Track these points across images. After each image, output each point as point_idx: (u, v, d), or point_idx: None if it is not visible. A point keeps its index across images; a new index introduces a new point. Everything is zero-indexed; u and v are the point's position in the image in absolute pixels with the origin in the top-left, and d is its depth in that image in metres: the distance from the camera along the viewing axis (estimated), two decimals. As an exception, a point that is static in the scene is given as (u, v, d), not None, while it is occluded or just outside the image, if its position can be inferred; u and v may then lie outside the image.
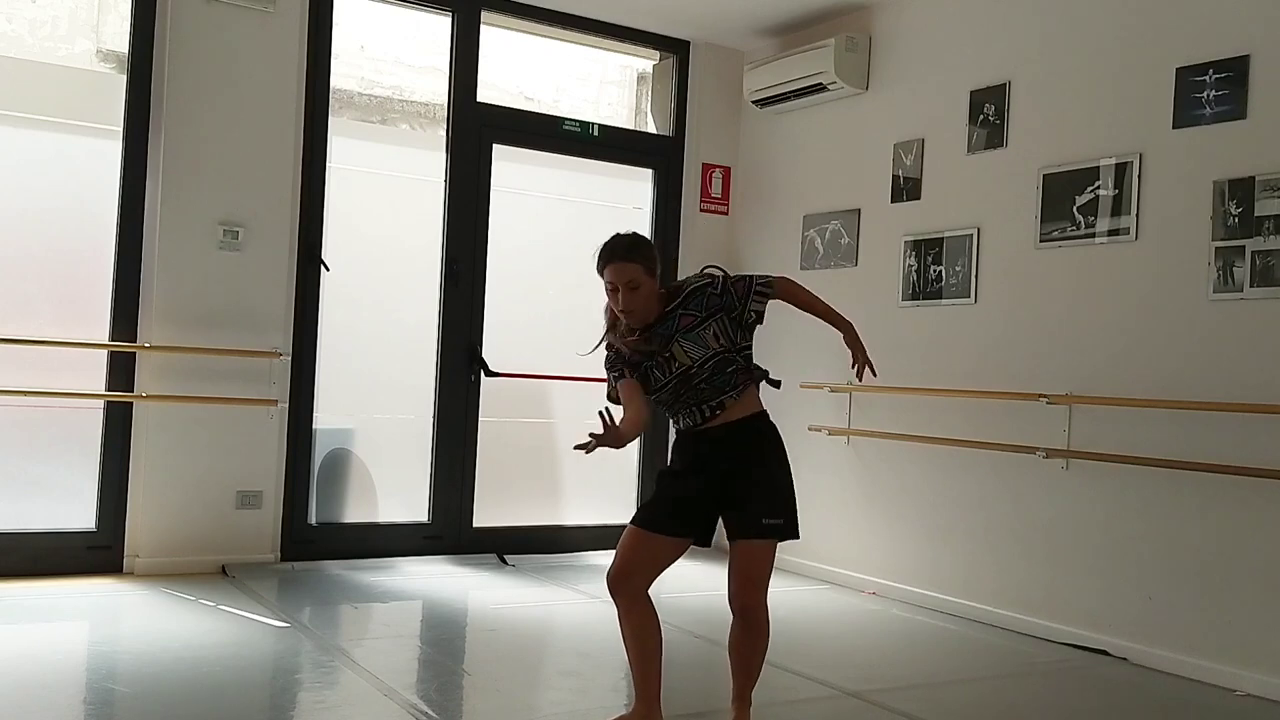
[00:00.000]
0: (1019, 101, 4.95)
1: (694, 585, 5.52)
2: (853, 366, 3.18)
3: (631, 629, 3.06)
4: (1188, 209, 4.22)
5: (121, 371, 5.07)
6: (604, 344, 3.13)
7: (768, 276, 3.15)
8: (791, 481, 3.11)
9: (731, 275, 3.13)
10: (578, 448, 2.82)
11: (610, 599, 3.06)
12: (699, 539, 3.09)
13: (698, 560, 6.29)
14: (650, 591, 3.06)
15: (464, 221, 5.87)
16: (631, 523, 3.09)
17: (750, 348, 3.12)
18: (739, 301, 3.07)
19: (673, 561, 3.09)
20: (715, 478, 3.04)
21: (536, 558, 5.90)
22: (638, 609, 3.05)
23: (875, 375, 3.23)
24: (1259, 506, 3.93)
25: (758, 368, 3.12)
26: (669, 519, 3.05)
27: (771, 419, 3.13)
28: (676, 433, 3.19)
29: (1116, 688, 4.04)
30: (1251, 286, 4.00)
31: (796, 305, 3.21)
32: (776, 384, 3.19)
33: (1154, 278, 4.33)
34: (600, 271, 3.02)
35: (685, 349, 3.02)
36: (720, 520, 3.09)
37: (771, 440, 3.10)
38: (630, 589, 3.03)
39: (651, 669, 3.06)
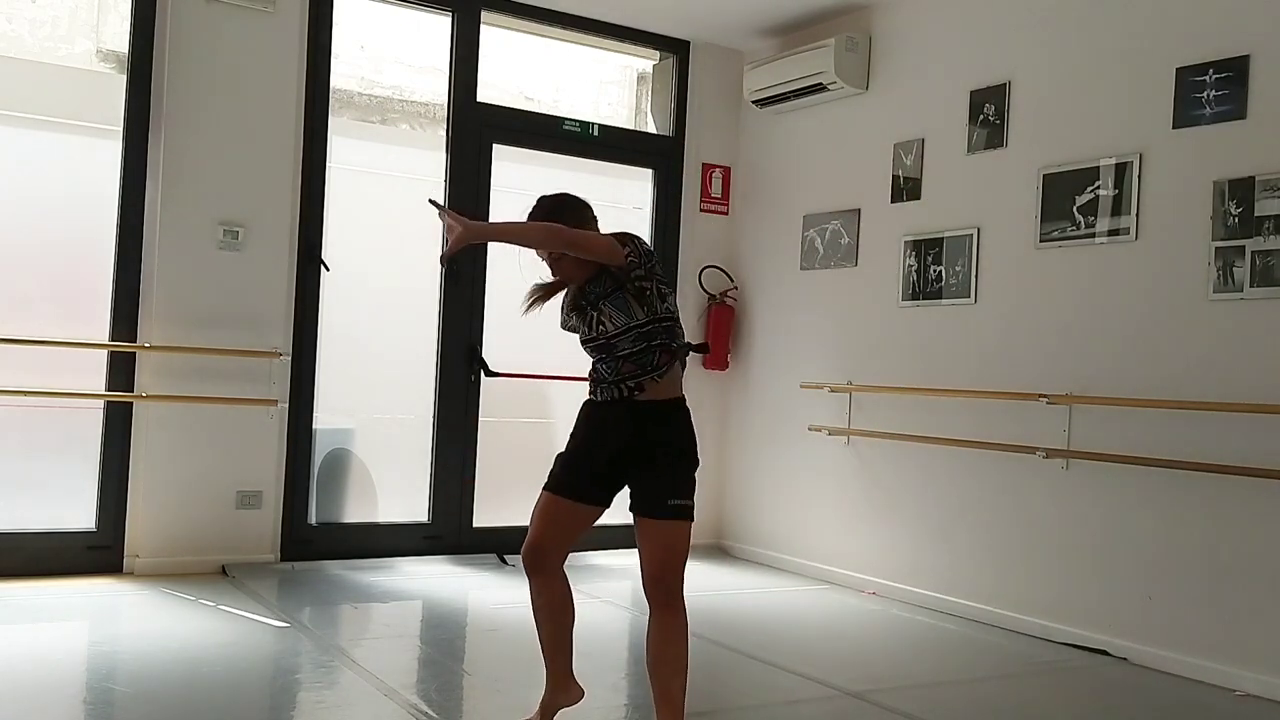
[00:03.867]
0: (1019, 101, 4.95)
1: (694, 585, 5.51)
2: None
3: (547, 606, 2.98)
4: (1188, 209, 4.22)
5: (121, 371, 5.07)
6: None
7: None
8: (695, 469, 2.94)
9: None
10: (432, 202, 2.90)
11: (527, 575, 2.98)
12: (605, 503, 2.99)
13: (699, 560, 6.27)
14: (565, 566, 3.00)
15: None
16: (544, 489, 2.99)
17: (672, 316, 2.94)
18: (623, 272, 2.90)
19: (586, 530, 3.01)
20: (621, 451, 2.89)
21: (536, 558, 5.90)
22: (554, 585, 2.97)
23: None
24: (1259, 506, 3.93)
25: (681, 342, 2.95)
26: (582, 483, 2.94)
27: (686, 406, 2.96)
28: (585, 404, 3.05)
29: (1116, 688, 4.04)
30: (1251, 286, 4.00)
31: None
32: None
33: (1154, 278, 4.33)
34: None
35: (608, 314, 2.90)
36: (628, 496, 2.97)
37: (679, 428, 2.92)
38: (547, 564, 2.95)
39: (565, 647, 3.02)
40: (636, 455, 2.89)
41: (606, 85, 6.79)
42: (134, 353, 5.07)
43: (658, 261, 2.99)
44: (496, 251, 5.97)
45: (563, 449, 3.04)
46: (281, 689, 3.67)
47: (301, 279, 5.42)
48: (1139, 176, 4.40)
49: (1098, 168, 4.56)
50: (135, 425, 5.08)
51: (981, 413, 4.96)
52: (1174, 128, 4.29)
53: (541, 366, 6.07)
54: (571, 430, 3.05)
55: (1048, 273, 4.76)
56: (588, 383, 3.04)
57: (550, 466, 3.04)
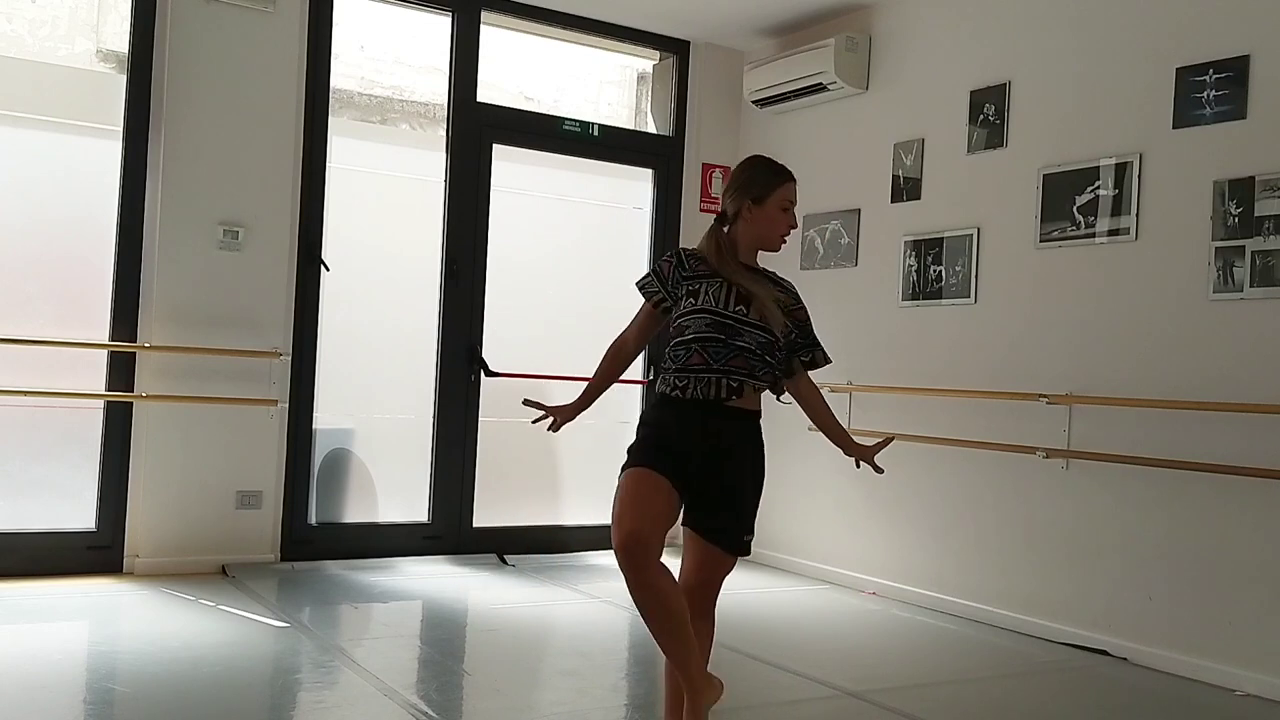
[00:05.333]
0: (1019, 101, 4.95)
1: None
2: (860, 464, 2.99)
3: (656, 598, 2.59)
4: (1188, 209, 4.22)
5: (121, 371, 5.07)
6: (671, 257, 2.89)
7: (816, 350, 2.97)
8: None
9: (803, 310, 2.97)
10: (528, 402, 2.95)
11: (623, 573, 2.62)
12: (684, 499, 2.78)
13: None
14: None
15: (464, 221, 5.88)
16: (627, 466, 2.73)
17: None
18: (794, 331, 2.91)
19: (674, 521, 2.73)
20: (693, 457, 2.73)
21: (536, 558, 5.91)
22: (658, 573, 2.59)
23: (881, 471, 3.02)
24: (1259, 506, 3.93)
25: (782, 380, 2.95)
26: (671, 463, 2.70)
27: (761, 425, 2.90)
28: (664, 398, 2.80)
29: (1116, 688, 4.04)
30: (1251, 286, 4.00)
31: (802, 404, 3.00)
32: (779, 394, 3.02)
33: (1154, 278, 4.33)
34: (774, 188, 2.90)
35: (769, 311, 2.80)
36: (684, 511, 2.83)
37: (761, 449, 2.87)
38: (646, 551, 2.58)
39: (689, 640, 2.63)
40: (710, 469, 2.74)
41: (606, 85, 6.79)
42: (134, 353, 5.07)
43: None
44: (496, 251, 5.97)
45: (634, 443, 2.79)
46: (281, 689, 3.67)
47: (301, 279, 5.42)
48: (1139, 176, 4.41)
49: (1098, 168, 4.56)
50: (135, 425, 5.08)
51: (981, 413, 4.96)
52: (1174, 128, 4.29)
53: (541, 366, 6.07)
54: (641, 430, 2.83)
55: (1048, 273, 4.76)
56: (667, 374, 2.80)
57: (624, 459, 2.77)
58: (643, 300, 2.95)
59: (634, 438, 2.84)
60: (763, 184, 2.90)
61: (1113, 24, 4.57)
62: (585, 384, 3.00)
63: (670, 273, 2.87)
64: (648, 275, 2.94)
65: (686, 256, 2.89)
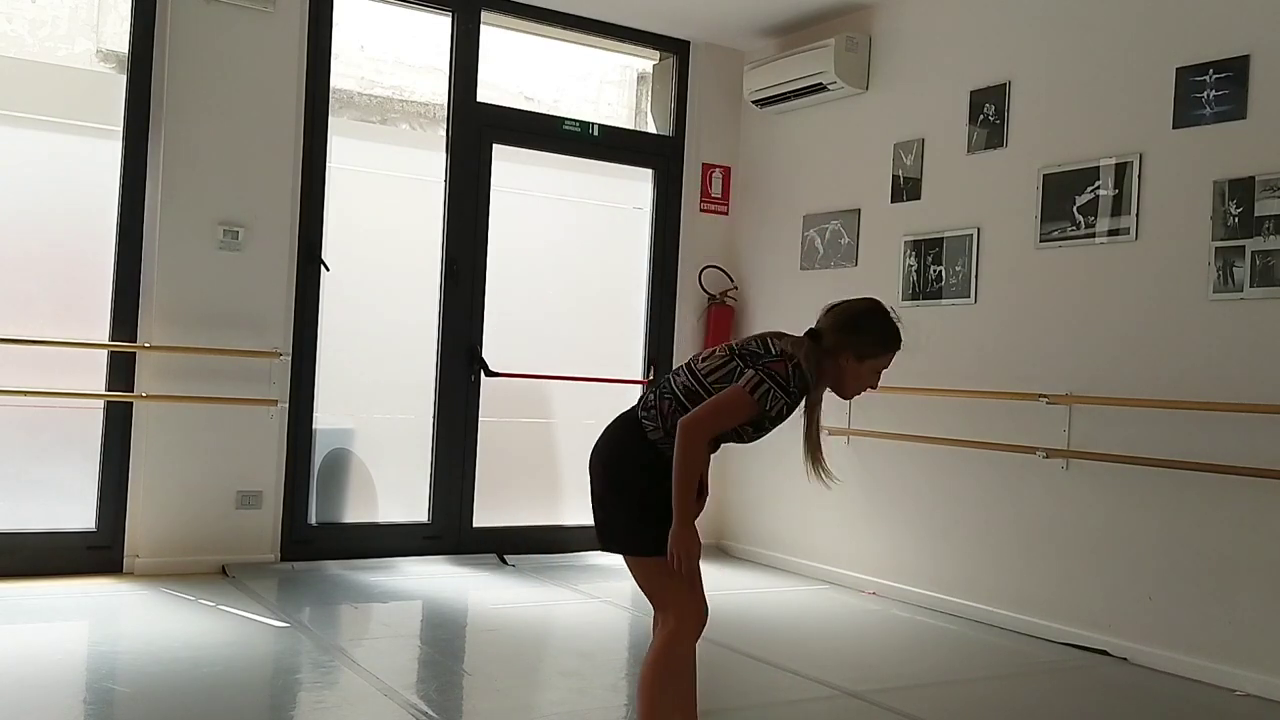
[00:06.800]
0: (1019, 101, 4.95)
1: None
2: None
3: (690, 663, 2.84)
4: (1188, 209, 4.22)
5: (121, 371, 5.07)
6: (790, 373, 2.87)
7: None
8: None
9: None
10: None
11: (686, 638, 2.78)
12: None
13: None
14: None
15: (464, 221, 5.88)
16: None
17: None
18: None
19: None
20: None
21: (536, 558, 5.91)
22: None
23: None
24: (1260, 506, 3.93)
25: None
26: None
27: None
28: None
29: (1116, 688, 4.04)
30: (1251, 286, 4.00)
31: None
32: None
33: (1154, 278, 4.33)
34: (881, 355, 2.90)
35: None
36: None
37: None
38: None
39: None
40: None
41: (606, 85, 6.79)
42: (134, 353, 5.07)
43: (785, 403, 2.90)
44: (496, 251, 5.97)
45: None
46: (281, 689, 3.67)
47: (301, 279, 5.42)
48: (1139, 176, 4.41)
49: (1098, 168, 4.56)
50: (135, 425, 5.08)
51: (981, 413, 4.96)
52: (1174, 128, 4.30)
53: (541, 366, 6.07)
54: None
55: (1048, 273, 4.76)
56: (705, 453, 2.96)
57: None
58: (746, 394, 2.88)
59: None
60: (875, 347, 2.89)
61: (1113, 24, 4.57)
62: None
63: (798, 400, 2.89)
64: (787, 395, 2.92)
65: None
